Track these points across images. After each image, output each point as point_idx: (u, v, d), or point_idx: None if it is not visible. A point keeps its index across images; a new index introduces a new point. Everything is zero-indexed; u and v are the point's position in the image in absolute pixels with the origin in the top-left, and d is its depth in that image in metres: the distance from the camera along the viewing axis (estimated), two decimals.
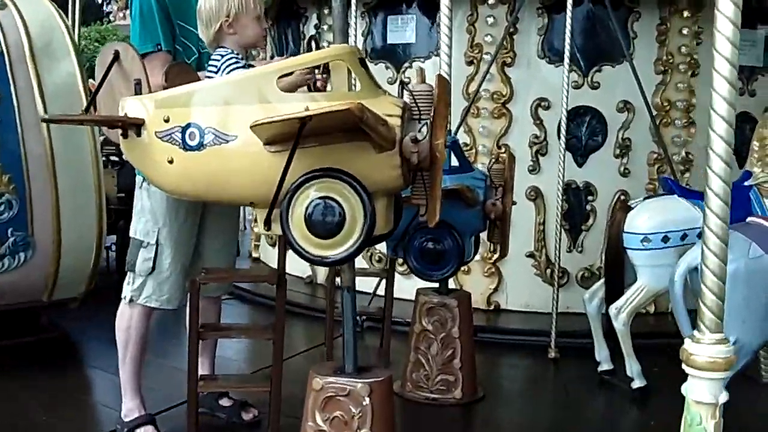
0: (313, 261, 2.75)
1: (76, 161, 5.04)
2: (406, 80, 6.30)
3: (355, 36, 6.05)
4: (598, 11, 5.82)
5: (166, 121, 2.88)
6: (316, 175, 2.69)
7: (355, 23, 5.99)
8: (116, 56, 3.13)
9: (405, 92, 2.88)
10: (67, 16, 8.70)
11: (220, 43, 3.20)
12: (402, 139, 2.72)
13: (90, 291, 5.37)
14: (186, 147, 2.85)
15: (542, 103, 6.02)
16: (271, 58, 7.19)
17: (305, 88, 3.14)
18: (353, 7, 5.90)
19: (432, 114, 2.85)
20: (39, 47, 4.95)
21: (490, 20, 6.01)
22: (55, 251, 5.03)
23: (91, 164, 5.09)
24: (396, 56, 6.37)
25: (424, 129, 2.82)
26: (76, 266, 5.16)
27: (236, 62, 3.12)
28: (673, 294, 3.27)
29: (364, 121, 2.41)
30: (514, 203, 4.42)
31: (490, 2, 6.00)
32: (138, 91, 3.04)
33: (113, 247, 7.14)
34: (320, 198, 2.67)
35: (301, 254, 2.71)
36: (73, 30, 8.55)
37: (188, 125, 2.84)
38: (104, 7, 29.82)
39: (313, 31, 6.88)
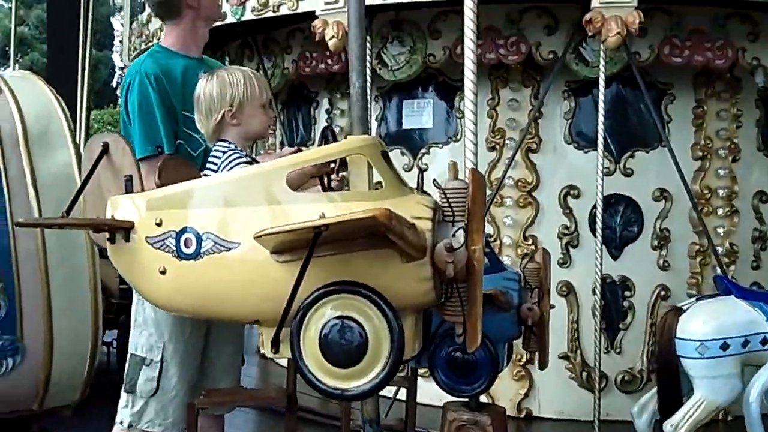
0: (331, 395, 2.30)
1: (70, 256, 4.67)
2: (424, 167, 6.16)
3: (369, 121, 5.70)
4: (629, 93, 5.50)
5: (159, 224, 2.49)
6: (332, 290, 2.28)
7: (369, 108, 5.65)
8: (105, 149, 2.77)
9: (438, 191, 2.48)
10: (77, 100, 8.53)
11: (221, 135, 2.82)
12: (433, 246, 2.31)
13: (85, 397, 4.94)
14: (181, 255, 2.44)
15: (571, 191, 5.63)
16: (281, 144, 6.88)
17: (317, 179, 2.76)
18: (367, 92, 5.57)
19: (466, 215, 2.44)
20: (34, 135, 4.64)
21: (513, 104, 5.68)
22: (46, 356, 4.63)
23: (86, 259, 4.70)
24: (412, 142, 6.05)
25: (460, 234, 2.40)
26: (70, 371, 4.75)
27: (239, 158, 2.73)
28: (750, 417, 2.81)
29: (391, 230, 2.00)
30: (552, 307, 3.96)
31: (512, 85, 5.65)
32: (129, 189, 2.65)
33: (114, 343, 6.66)
34: (338, 317, 2.25)
35: (316, 386, 2.26)
36: (87, 113, 8.33)
37: (184, 230, 2.45)
38: (118, 91, 30.11)
39: (324, 116, 6.57)
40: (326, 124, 6.41)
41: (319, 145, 2.59)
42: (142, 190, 2.65)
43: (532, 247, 5.58)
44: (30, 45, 27.65)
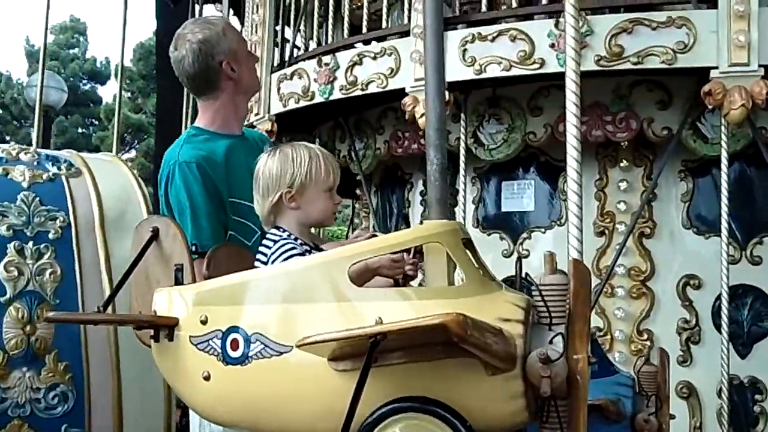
0: None
1: (142, 346, 4.40)
2: (525, 253, 5.70)
3: (464, 204, 5.33)
4: (755, 172, 4.94)
5: (204, 322, 2.16)
6: (400, 407, 1.87)
7: (464, 190, 5.28)
8: (155, 234, 2.48)
9: (532, 288, 2.05)
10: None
11: (276, 219, 2.49)
12: (525, 355, 1.87)
13: None
14: (226, 359, 2.10)
15: (691, 281, 5.06)
16: (374, 229, 6.57)
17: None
18: (462, 173, 5.22)
19: (567, 316, 2.01)
20: (111, 219, 4.43)
21: (623, 185, 5.18)
22: None
23: None
24: (512, 226, 5.59)
25: (558, 340, 1.96)
26: None
27: (291, 248, 2.38)
28: None
29: (465, 340, 1.59)
30: (672, 417, 3.39)
31: (622, 165, 5.21)
32: (178, 280, 2.34)
33: None
34: None
35: None
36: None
37: (230, 330, 2.11)
38: None
39: (419, 199, 6.23)
40: (421, 207, 6.09)
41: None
42: (194, 282, 2.33)
43: (648, 342, 5.03)
44: (147, 131, 28.88)
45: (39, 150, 4.84)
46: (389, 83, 5.05)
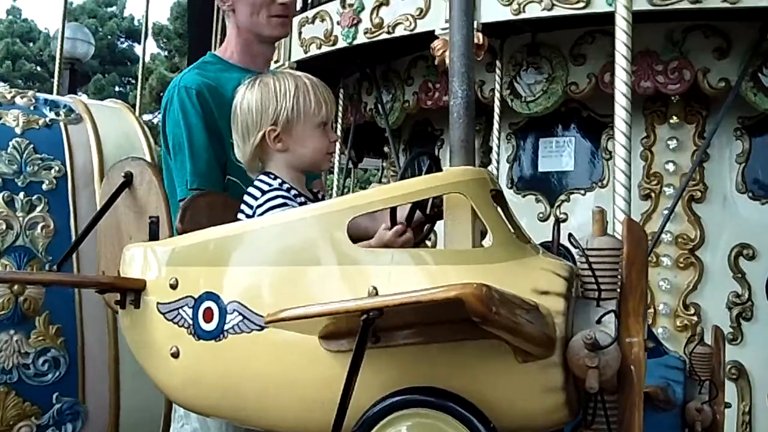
0: None
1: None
2: (563, 217, 5.28)
3: (498, 162, 4.90)
4: None
5: (173, 287, 1.78)
6: (407, 401, 1.48)
7: (498, 147, 4.85)
8: (127, 180, 2.10)
9: (576, 252, 1.64)
10: None
11: (265, 165, 2.08)
12: (568, 339, 1.48)
13: None
14: (198, 333, 1.73)
15: (744, 251, 4.70)
16: None
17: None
18: (495, 128, 4.79)
19: (619, 289, 1.61)
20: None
21: (672, 143, 4.79)
22: (112, 423, 3.99)
23: None
24: (549, 187, 5.23)
25: (609, 320, 1.56)
26: None
27: (282, 200, 1.95)
28: None
29: (490, 319, 1.19)
30: (727, 405, 2.98)
31: (671, 121, 4.80)
32: (153, 235, 1.97)
33: None
34: None
35: None
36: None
37: (204, 297, 1.73)
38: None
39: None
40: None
41: (402, 177, 1.79)
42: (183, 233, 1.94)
43: (694, 318, 4.74)
44: None
45: (38, 94, 4.49)
46: (418, 25, 4.61)
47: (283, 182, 2.00)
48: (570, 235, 1.63)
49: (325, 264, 1.62)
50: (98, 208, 2.13)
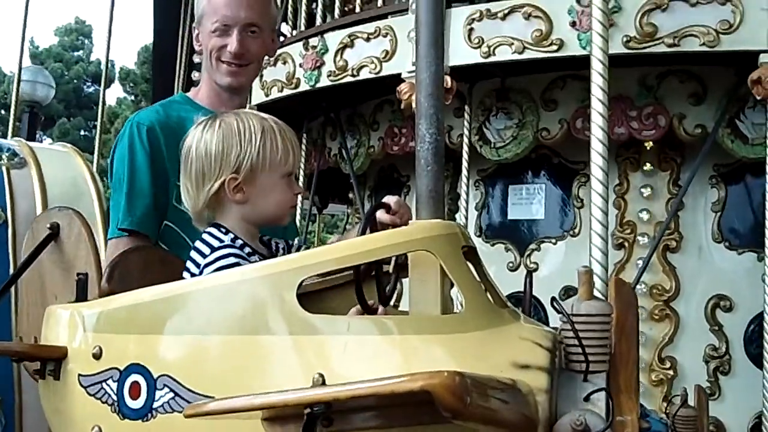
0: None
1: None
2: (533, 266, 5.10)
3: (466, 210, 4.72)
4: None
5: (97, 357, 1.54)
6: None
7: (467, 194, 4.68)
8: (53, 232, 1.86)
9: (560, 318, 1.43)
10: None
11: (216, 215, 1.83)
12: (553, 421, 1.27)
13: None
14: (123, 411, 1.48)
15: (721, 303, 4.60)
16: None
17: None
18: (464, 174, 4.63)
19: (608, 359, 1.41)
20: None
21: (646, 191, 4.69)
22: None
23: None
24: (519, 235, 5.08)
25: (599, 398, 1.35)
26: None
27: (234, 260, 1.69)
28: None
29: (463, 413, 0.97)
30: None
31: (645, 168, 4.70)
32: (81, 295, 1.72)
33: None
34: None
35: None
36: None
37: (131, 369, 1.49)
38: None
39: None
40: None
41: (362, 233, 1.57)
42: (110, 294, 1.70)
43: (670, 372, 4.62)
44: None
45: None
46: (383, 68, 4.48)
47: (236, 237, 1.75)
48: (553, 299, 1.42)
49: (271, 333, 1.39)
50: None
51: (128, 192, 2.11)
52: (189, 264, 1.72)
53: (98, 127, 9.19)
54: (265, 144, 1.78)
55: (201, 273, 1.66)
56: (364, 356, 1.32)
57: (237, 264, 1.65)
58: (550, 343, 1.39)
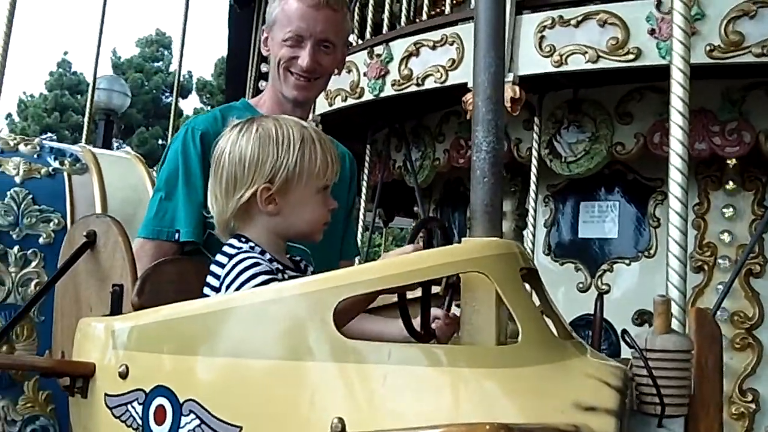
0: None
1: None
2: (604, 288, 4.88)
3: (534, 227, 4.54)
4: None
5: (123, 376, 1.43)
6: None
7: (535, 210, 4.50)
8: (90, 240, 1.77)
9: (632, 353, 1.27)
10: None
11: (242, 227, 1.70)
12: None
13: None
14: None
15: None
16: None
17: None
18: (532, 190, 4.45)
19: (687, 402, 1.24)
20: None
21: (728, 211, 4.45)
22: None
23: None
24: (590, 255, 4.89)
25: None
26: None
27: (255, 265, 1.56)
28: None
29: None
30: None
31: (728, 187, 4.46)
32: (115, 307, 1.63)
33: None
34: None
35: None
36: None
37: (156, 391, 1.37)
38: None
39: None
40: None
41: (409, 242, 1.43)
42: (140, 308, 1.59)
43: (752, 405, 4.34)
44: None
45: (44, 142, 4.26)
46: (449, 77, 4.33)
47: (254, 246, 1.63)
48: (624, 331, 1.26)
49: (307, 359, 1.26)
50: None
51: (186, 197, 2.00)
52: (209, 279, 1.60)
53: (169, 136, 9.32)
54: (304, 154, 1.65)
55: (221, 284, 1.54)
56: (407, 389, 1.17)
57: (257, 263, 1.54)
58: (620, 382, 1.22)
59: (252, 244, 1.62)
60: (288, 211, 1.65)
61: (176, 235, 1.95)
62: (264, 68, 5.54)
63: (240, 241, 1.63)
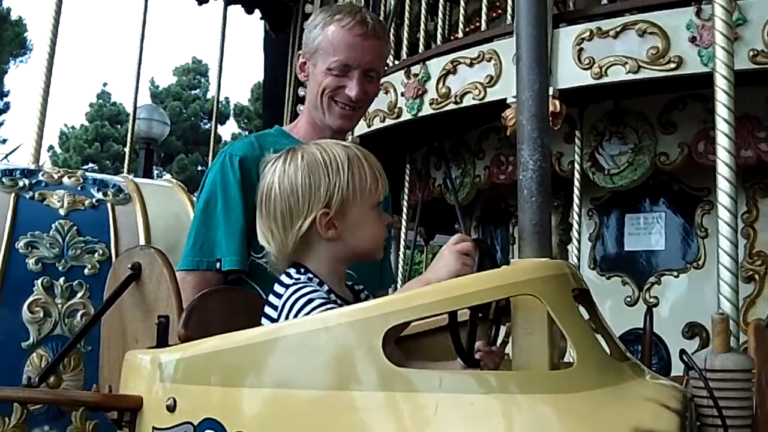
0: None
1: None
2: (653, 302, 4.78)
3: (579, 242, 4.46)
4: None
5: (171, 409, 1.41)
6: None
7: (579, 224, 4.41)
8: (135, 272, 1.77)
9: (690, 373, 1.22)
10: None
11: (301, 256, 1.65)
12: None
13: None
14: None
15: None
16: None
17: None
18: (576, 203, 4.37)
19: (750, 423, 1.18)
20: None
21: None
22: None
23: None
24: (637, 268, 4.78)
25: None
26: None
27: (317, 299, 1.52)
28: None
29: None
30: None
31: None
32: (161, 339, 1.62)
33: None
34: None
35: None
36: None
37: (204, 424, 1.35)
38: None
39: None
40: None
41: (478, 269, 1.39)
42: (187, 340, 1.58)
43: None
44: None
45: (87, 173, 4.31)
46: (488, 94, 4.27)
47: (313, 277, 1.60)
48: (682, 351, 1.21)
49: (356, 388, 1.23)
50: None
51: (225, 224, 1.99)
52: (267, 309, 1.57)
53: (209, 162, 9.38)
54: (354, 173, 1.62)
55: (279, 315, 1.52)
56: (459, 418, 1.14)
57: (314, 291, 1.51)
58: (679, 405, 1.18)
59: (310, 275, 1.59)
60: (348, 234, 1.62)
61: (218, 264, 1.93)
62: (301, 92, 5.55)
63: (299, 272, 1.60)
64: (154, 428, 1.44)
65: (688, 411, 1.21)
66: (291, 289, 1.53)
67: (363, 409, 1.20)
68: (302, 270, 1.61)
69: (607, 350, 1.29)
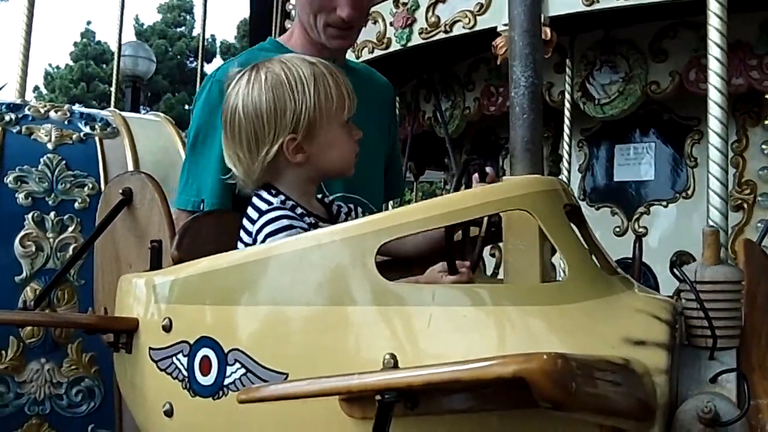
0: None
1: None
2: (642, 231, 4.81)
3: (569, 172, 4.46)
4: None
5: (167, 329, 1.43)
6: None
7: (569, 155, 4.41)
8: (126, 198, 1.77)
9: (682, 287, 1.24)
10: None
11: (270, 179, 1.61)
12: (673, 404, 1.09)
13: None
14: (193, 388, 1.37)
15: None
16: None
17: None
18: (566, 134, 4.36)
19: (739, 334, 1.21)
20: None
21: None
22: None
23: None
24: (626, 198, 4.81)
25: (729, 380, 1.15)
26: None
27: (284, 221, 1.51)
28: None
29: (566, 404, 0.80)
30: None
31: (767, 123, 4.26)
32: (155, 263, 1.63)
33: None
34: None
35: None
36: None
37: (200, 342, 1.37)
38: None
39: None
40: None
41: (455, 189, 1.40)
42: (180, 262, 1.58)
43: None
44: None
45: (74, 108, 4.26)
46: (478, 22, 4.21)
47: (287, 199, 1.57)
48: (673, 263, 1.23)
49: (351, 303, 1.24)
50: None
51: (202, 153, 1.93)
52: (241, 233, 1.55)
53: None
54: (320, 93, 1.55)
55: (254, 241, 1.50)
56: (452, 330, 1.16)
57: (290, 226, 1.49)
58: (669, 316, 1.20)
59: (282, 197, 1.57)
60: (317, 156, 1.57)
61: (201, 205, 1.88)
62: (288, 25, 5.46)
63: (270, 193, 1.57)
64: (150, 348, 1.46)
65: (678, 322, 1.23)
66: (266, 217, 1.51)
67: (357, 324, 1.21)
68: (273, 192, 1.58)
69: (598, 265, 1.31)
